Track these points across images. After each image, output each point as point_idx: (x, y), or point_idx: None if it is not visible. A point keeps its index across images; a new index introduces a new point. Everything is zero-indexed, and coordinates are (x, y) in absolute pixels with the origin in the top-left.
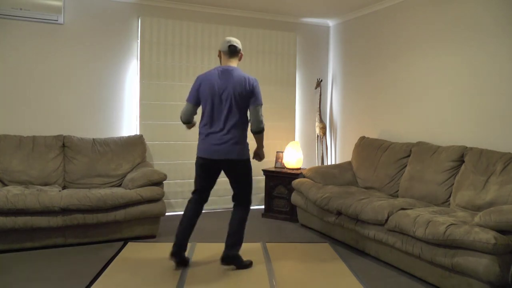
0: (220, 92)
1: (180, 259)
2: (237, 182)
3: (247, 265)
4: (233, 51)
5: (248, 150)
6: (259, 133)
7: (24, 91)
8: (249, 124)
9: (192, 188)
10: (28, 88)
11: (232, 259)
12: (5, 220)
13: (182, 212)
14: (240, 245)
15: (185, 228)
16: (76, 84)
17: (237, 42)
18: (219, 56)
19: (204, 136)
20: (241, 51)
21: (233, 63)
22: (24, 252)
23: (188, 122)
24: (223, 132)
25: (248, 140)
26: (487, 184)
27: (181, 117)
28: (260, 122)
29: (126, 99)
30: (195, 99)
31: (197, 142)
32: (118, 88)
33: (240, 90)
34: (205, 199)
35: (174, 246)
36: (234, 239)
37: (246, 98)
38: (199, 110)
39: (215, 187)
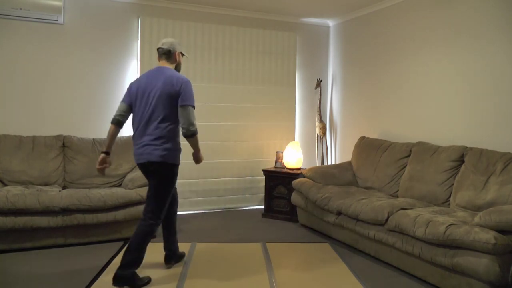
0: (146, 92)
1: (173, 259)
2: (151, 187)
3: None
4: (162, 53)
5: (176, 154)
6: (190, 136)
7: (24, 91)
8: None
9: (192, 188)
10: (28, 88)
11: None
12: (5, 220)
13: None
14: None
15: (164, 231)
16: (76, 84)
17: (169, 43)
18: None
19: (133, 138)
20: (175, 52)
21: (166, 64)
22: (24, 252)
23: (117, 123)
24: (145, 136)
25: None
26: (487, 184)
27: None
28: (190, 124)
29: None
30: (128, 101)
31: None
32: (118, 88)
33: (165, 89)
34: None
35: (165, 249)
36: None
37: (173, 98)
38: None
39: (215, 187)
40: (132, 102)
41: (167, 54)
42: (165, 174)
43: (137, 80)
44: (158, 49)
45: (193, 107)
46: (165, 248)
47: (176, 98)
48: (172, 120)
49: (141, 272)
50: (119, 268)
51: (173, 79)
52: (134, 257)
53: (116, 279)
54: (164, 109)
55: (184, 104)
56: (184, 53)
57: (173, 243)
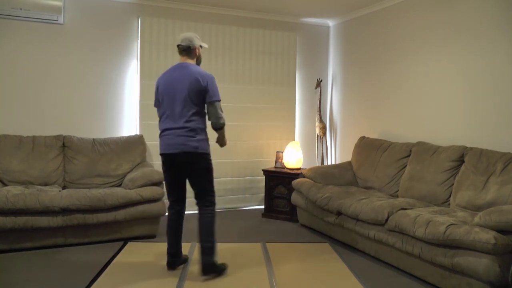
0: (174, 89)
1: (177, 265)
2: (193, 179)
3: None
4: (182, 50)
5: (207, 144)
6: (220, 129)
7: (24, 91)
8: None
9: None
10: (28, 88)
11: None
12: (5, 220)
13: None
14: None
15: (173, 237)
16: (76, 84)
17: (187, 39)
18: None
19: (161, 133)
20: (195, 47)
21: (189, 60)
22: (24, 252)
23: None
24: (177, 128)
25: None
26: (487, 184)
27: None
28: (219, 118)
29: (126, 99)
30: (157, 102)
31: None
32: (118, 88)
33: (194, 85)
34: (181, 200)
35: (169, 256)
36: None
37: (201, 94)
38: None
39: (215, 187)
40: (160, 100)
41: (187, 50)
42: (202, 162)
43: (162, 77)
44: (178, 45)
45: (219, 101)
46: (171, 254)
47: (203, 94)
48: (201, 114)
49: (141, 270)
50: (203, 259)
51: (198, 76)
52: (212, 244)
53: (205, 269)
54: (193, 104)
55: (211, 100)
56: (202, 45)
57: (180, 248)
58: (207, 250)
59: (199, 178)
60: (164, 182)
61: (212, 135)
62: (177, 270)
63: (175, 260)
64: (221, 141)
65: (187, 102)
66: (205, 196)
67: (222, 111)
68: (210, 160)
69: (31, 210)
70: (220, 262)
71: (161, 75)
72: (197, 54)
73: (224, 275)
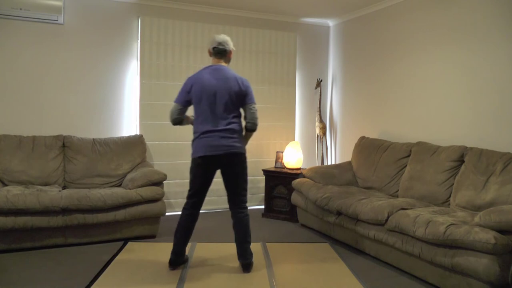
0: (214, 92)
1: (179, 264)
2: (233, 179)
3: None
4: (217, 53)
5: (243, 145)
6: (254, 130)
7: (24, 91)
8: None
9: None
10: (28, 88)
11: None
12: (5, 220)
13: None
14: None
15: (182, 238)
16: (76, 84)
17: (224, 42)
18: (209, 54)
19: (200, 135)
20: (230, 50)
21: (222, 62)
22: (24, 252)
23: (178, 123)
24: (220, 130)
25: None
26: (487, 184)
27: (170, 119)
28: (256, 119)
29: (126, 99)
30: (185, 101)
31: None
32: (118, 88)
33: (235, 89)
34: (201, 203)
35: (173, 254)
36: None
37: (241, 97)
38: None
39: (215, 187)
40: (194, 101)
41: (223, 53)
42: (243, 162)
43: (197, 78)
44: (214, 48)
45: (255, 104)
46: (176, 253)
47: (241, 97)
48: (239, 116)
49: (141, 270)
50: (246, 259)
51: (238, 80)
52: (249, 243)
53: (247, 267)
54: (233, 107)
55: (250, 102)
56: (233, 49)
57: (185, 248)
58: (249, 250)
59: (239, 178)
60: (190, 183)
61: None
62: (177, 270)
63: (178, 259)
64: (246, 142)
65: (228, 105)
66: (242, 197)
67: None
68: (246, 160)
69: (31, 210)
70: (221, 261)
71: (193, 75)
72: (231, 57)
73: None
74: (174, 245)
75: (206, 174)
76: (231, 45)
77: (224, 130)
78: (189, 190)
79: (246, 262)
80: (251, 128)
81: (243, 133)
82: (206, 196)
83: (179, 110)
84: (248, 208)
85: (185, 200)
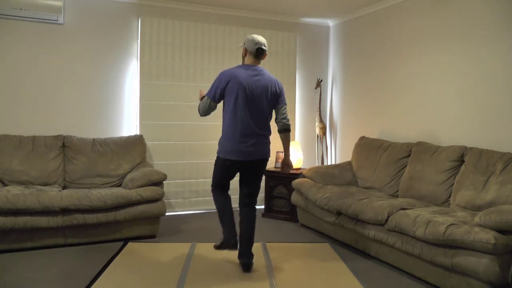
0: (252, 93)
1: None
2: (254, 181)
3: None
4: (260, 53)
5: (270, 149)
6: (287, 131)
7: (24, 91)
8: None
9: (192, 188)
10: (28, 88)
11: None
12: (5, 220)
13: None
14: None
15: (229, 220)
16: (76, 84)
17: (265, 44)
18: (244, 53)
19: (233, 135)
20: (266, 51)
21: (258, 63)
22: (24, 252)
23: (206, 115)
24: (256, 133)
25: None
26: (487, 184)
27: (200, 111)
28: (288, 120)
29: (126, 99)
30: (218, 97)
31: (198, 142)
32: (118, 88)
33: (272, 90)
34: (228, 189)
35: (233, 237)
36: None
37: (275, 98)
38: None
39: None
40: (231, 100)
41: (262, 54)
42: (265, 167)
43: (234, 76)
44: (257, 48)
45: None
46: (234, 234)
47: (276, 98)
48: (270, 119)
49: (141, 270)
50: (247, 259)
51: (276, 82)
52: (252, 242)
53: (248, 267)
54: (269, 110)
55: (284, 103)
56: None
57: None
58: (251, 248)
59: (259, 181)
60: (216, 175)
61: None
62: (176, 271)
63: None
64: (288, 160)
65: (265, 107)
66: (256, 198)
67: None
68: None
69: (31, 210)
70: (221, 261)
71: (227, 70)
72: (265, 58)
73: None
74: (229, 227)
75: (233, 173)
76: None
77: (260, 136)
78: (213, 180)
79: (247, 262)
80: (283, 128)
81: (284, 136)
82: (206, 196)
83: (211, 107)
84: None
85: (184, 201)
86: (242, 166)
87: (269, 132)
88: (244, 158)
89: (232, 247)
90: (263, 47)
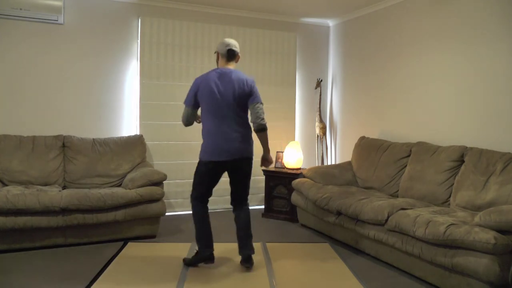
0: (220, 95)
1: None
2: (240, 181)
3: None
4: (231, 55)
5: (253, 148)
6: (261, 131)
7: (24, 91)
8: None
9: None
10: (28, 88)
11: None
12: (5, 220)
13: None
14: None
15: (208, 231)
16: (76, 84)
17: (236, 45)
18: (217, 57)
19: (207, 139)
20: (239, 53)
21: (231, 66)
22: (24, 252)
23: (189, 124)
24: (229, 133)
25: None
26: (487, 184)
27: (182, 121)
28: (262, 119)
29: (126, 99)
30: (193, 103)
31: (198, 142)
32: (118, 88)
33: (239, 91)
34: (207, 201)
35: (208, 249)
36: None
37: (246, 97)
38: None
39: (215, 187)
40: (203, 105)
41: (234, 56)
42: (251, 165)
43: (205, 83)
44: (228, 50)
45: (262, 103)
46: (209, 246)
47: (246, 98)
48: (247, 118)
49: (141, 270)
50: (248, 250)
51: (244, 81)
52: (251, 236)
53: (248, 260)
54: (242, 108)
55: (255, 101)
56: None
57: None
58: (250, 243)
59: (247, 180)
60: (196, 185)
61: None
62: (176, 271)
63: (211, 253)
64: (267, 155)
65: (235, 108)
66: (246, 195)
67: (264, 114)
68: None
69: (31, 210)
70: (221, 261)
71: (200, 76)
72: (238, 60)
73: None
74: (206, 239)
75: (215, 177)
76: (239, 50)
77: (237, 136)
78: (194, 190)
79: (247, 253)
80: (257, 129)
81: (260, 136)
82: None
83: (190, 114)
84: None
85: (184, 201)
86: (224, 167)
87: (246, 131)
88: (226, 157)
89: (207, 259)
90: (234, 48)
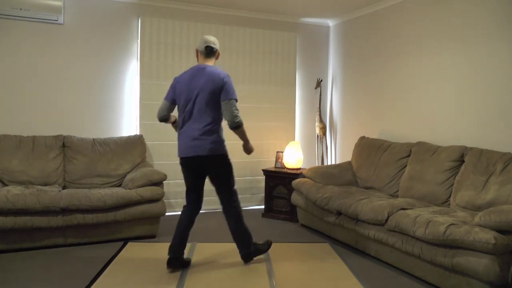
0: (192, 91)
1: (178, 264)
2: (213, 179)
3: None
4: (209, 52)
5: (224, 145)
6: (236, 128)
7: (24, 91)
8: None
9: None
10: (28, 88)
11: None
12: (5, 220)
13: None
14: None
15: (178, 236)
16: (76, 84)
17: (214, 42)
18: (196, 55)
19: (179, 136)
20: (218, 50)
21: (209, 62)
22: (24, 252)
23: (163, 119)
24: (194, 130)
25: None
26: (487, 184)
27: (157, 115)
28: (235, 116)
29: (126, 99)
30: (172, 99)
31: None
32: (118, 88)
33: (212, 87)
34: (199, 199)
35: (171, 252)
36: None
37: (217, 92)
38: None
39: (211, 187)
40: (177, 99)
41: (212, 52)
42: (219, 164)
43: (182, 79)
44: (206, 47)
45: (236, 100)
46: (172, 251)
47: (218, 94)
48: (217, 115)
49: (141, 270)
50: (245, 248)
51: (215, 76)
52: (246, 234)
53: (247, 258)
54: (208, 105)
55: (227, 98)
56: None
57: (183, 247)
58: (245, 239)
59: (220, 179)
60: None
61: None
62: (177, 271)
63: (176, 258)
64: (246, 146)
65: (206, 105)
66: (228, 195)
67: (238, 111)
68: (227, 160)
69: (31, 210)
70: (221, 261)
71: (180, 74)
72: (218, 57)
73: (266, 253)
74: (173, 241)
75: (193, 174)
76: (218, 46)
77: (196, 132)
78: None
79: (245, 252)
80: (231, 126)
81: (237, 133)
82: (206, 196)
83: (165, 107)
84: (248, 208)
85: (184, 201)
86: (196, 164)
87: (214, 127)
88: (188, 153)
89: (167, 263)
90: (211, 45)
